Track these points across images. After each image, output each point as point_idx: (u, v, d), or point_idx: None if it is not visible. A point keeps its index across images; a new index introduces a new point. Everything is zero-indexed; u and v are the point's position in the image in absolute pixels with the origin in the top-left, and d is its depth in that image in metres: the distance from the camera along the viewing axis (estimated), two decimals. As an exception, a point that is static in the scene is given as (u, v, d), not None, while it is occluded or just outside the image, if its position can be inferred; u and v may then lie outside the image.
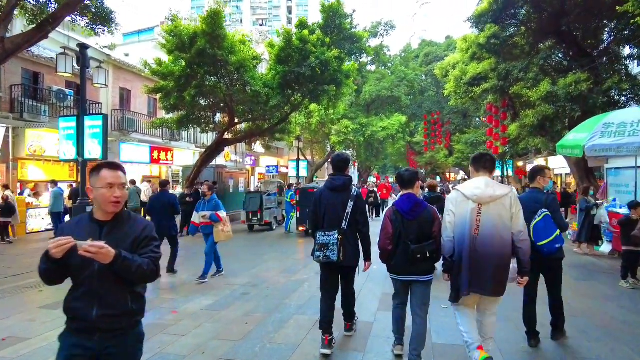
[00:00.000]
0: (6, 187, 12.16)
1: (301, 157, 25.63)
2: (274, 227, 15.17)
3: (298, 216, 13.10)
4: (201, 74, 13.62)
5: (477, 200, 3.37)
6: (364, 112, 28.28)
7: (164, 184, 8.46)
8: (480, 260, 3.33)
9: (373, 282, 6.92)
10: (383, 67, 29.80)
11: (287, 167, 32.53)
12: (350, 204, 4.02)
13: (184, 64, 13.62)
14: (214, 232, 7.14)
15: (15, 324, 5.06)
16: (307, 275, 7.64)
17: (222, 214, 7.15)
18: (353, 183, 4.27)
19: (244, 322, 5.04)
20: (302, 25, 14.49)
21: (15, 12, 9.77)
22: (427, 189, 8.23)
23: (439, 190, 9.67)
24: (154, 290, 6.58)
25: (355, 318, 4.65)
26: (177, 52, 13.52)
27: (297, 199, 13.17)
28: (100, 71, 11.16)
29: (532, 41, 14.15)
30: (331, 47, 14.63)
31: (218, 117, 17.59)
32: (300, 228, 13.09)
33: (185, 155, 21.98)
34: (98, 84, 11.20)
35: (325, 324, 4.10)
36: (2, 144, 12.89)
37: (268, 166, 30.54)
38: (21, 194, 13.74)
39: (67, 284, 2.14)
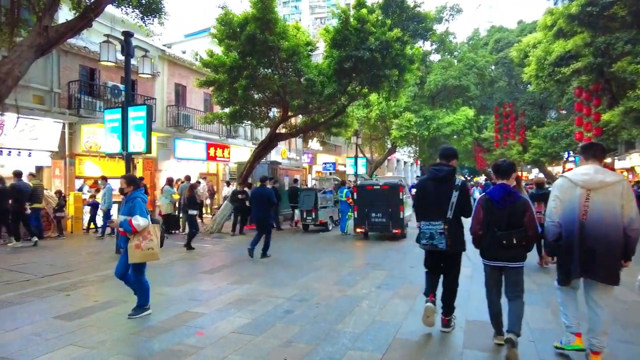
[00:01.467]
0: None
1: (359, 154, 24.18)
2: (330, 228, 13.97)
3: (355, 216, 11.74)
4: (253, 64, 12.75)
5: (585, 186, 3.42)
6: (429, 104, 26.09)
7: (263, 179, 9.57)
8: (590, 245, 3.38)
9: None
10: (449, 56, 27.41)
11: (344, 165, 31.23)
12: (455, 193, 4.12)
13: (235, 54, 12.85)
14: (128, 248, 4.89)
15: (15, 340, 4.25)
16: (366, 289, 6.27)
17: (140, 221, 4.78)
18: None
19: (282, 356, 3.82)
20: (360, 4, 13.11)
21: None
22: (534, 186, 8.20)
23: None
24: (188, 301, 5.61)
25: (454, 315, 4.46)
26: (227, 40, 12.77)
27: (354, 197, 11.84)
28: (145, 60, 10.60)
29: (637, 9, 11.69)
30: (392, 28, 13.12)
31: (273, 112, 16.75)
32: (358, 230, 11.71)
33: (241, 152, 21.45)
34: (143, 73, 10.66)
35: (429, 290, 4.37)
36: (60, 140, 12.86)
37: (325, 163, 29.46)
38: (80, 190, 13.73)
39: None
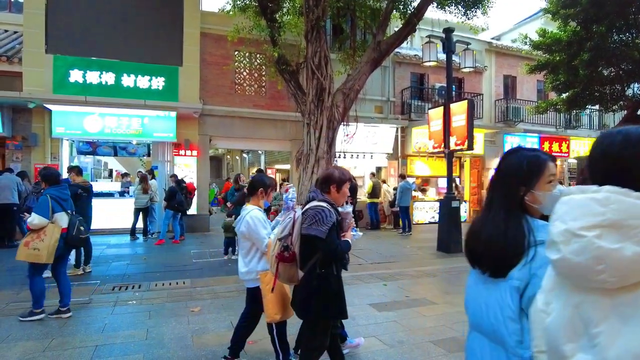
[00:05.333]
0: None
1: None
2: None
3: None
4: (601, 31, 10.12)
5: None
6: None
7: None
8: None
9: None
10: None
11: None
12: None
13: (573, 25, 10.59)
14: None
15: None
16: None
17: (36, 219, 4.46)
18: None
19: None
20: None
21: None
22: None
23: None
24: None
25: None
26: (563, 10, 10.67)
27: None
28: (467, 54, 10.21)
29: None
30: None
31: (634, 89, 12.86)
32: None
33: (583, 145, 17.77)
34: (465, 67, 10.29)
35: None
36: (394, 142, 14.39)
37: None
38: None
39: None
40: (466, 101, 9.44)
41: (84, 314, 4.87)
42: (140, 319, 4.69)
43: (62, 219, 4.73)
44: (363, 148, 13.62)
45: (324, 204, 2.70)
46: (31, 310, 4.61)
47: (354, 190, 3.40)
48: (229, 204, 8.94)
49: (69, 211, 4.85)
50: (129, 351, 3.84)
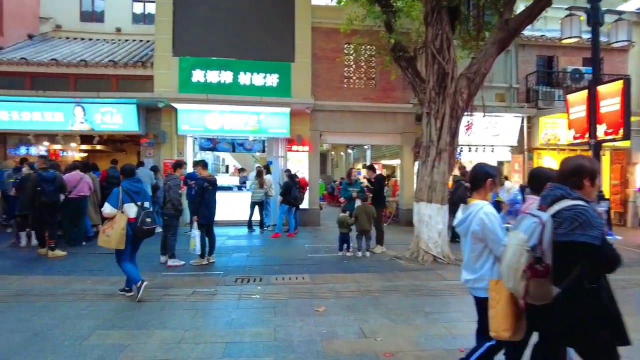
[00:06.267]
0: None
1: None
2: None
3: None
4: None
5: None
6: None
7: None
8: None
9: None
10: None
11: None
12: None
13: None
14: None
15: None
16: None
17: (107, 209, 4.97)
18: None
19: None
20: None
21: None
22: None
23: None
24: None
25: None
26: None
27: None
28: (619, 25, 8.56)
29: None
30: None
31: None
32: None
33: None
34: (617, 41, 8.65)
35: None
36: (518, 134, 12.89)
37: None
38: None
39: None
40: (621, 81, 7.94)
41: (212, 306, 4.91)
42: (265, 316, 4.55)
43: (130, 210, 5.01)
44: (483, 140, 12.42)
45: (582, 202, 2.16)
46: (136, 287, 5.04)
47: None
48: (342, 200, 8.66)
49: (138, 203, 5.07)
50: (259, 352, 3.66)
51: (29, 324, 4.23)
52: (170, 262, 6.84)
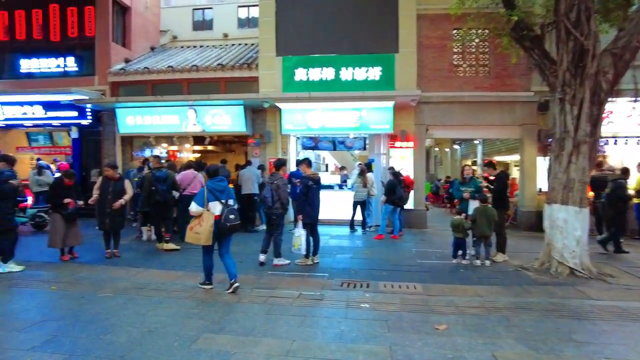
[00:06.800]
0: None
1: None
2: None
3: None
4: None
5: None
6: None
7: None
8: None
9: None
10: None
11: None
12: None
13: None
14: None
15: None
16: None
17: (194, 207, 5.21)
18: None
19: None
20: None
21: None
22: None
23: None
24: None
25: None
26: None
27: None
28: None
29: None
30: None
31: None
32: None
33: None
34: None
35: None
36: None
37: None
38: None
39: None
40: None
41: (319, 313, 4.58)
42: (378, 330, 4.08)
43: (215, 208, 5.19)
44: (626, 130, 10.45)
45: None
46: (203, 281, 5.44)
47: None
48: (456, 201, 7.81)
49: (222, 200, 5.22)
50: (376, 375, 3.21)
51: (144, 319, 4.32)
52: (276, 261, 6.75)
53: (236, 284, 5.23)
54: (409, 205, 10.39)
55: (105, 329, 4.04)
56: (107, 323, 4.19)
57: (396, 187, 8.95)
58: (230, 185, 10.80)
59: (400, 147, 10.87)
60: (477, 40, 10.97)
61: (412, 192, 10.36)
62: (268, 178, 7.21)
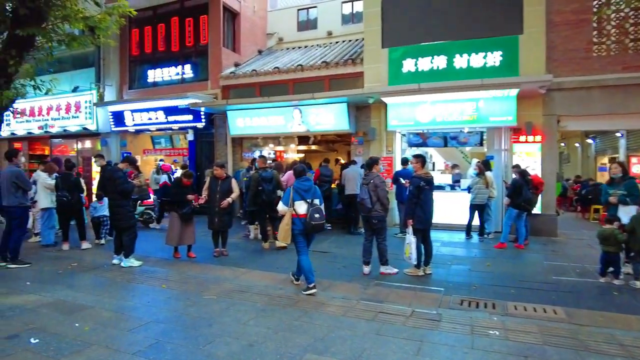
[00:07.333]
0: None
1: None
2: None
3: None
4: None
5: None
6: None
7: None
8: None
9: None
10: None
11: None
12: None
13: None
14: None
15: None
16: None
17: (280, 207, 5.42)
18: None
19: None
20: None
21: None
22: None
23: None
24: None
25: None
26: None
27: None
28: None
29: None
30: None
31: None
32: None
33: None
34: None
35: None
36: None
37: None
38: None
39: None
40: None
41: (438, 339, 3.88)
42: (516, 370, 3.27)
43: (301, 207, 5.26)
44: None
45: None
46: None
47: None
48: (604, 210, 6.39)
49: (307, 200, 5.26)
50: None
51: (245, 329, 4.08)
52: (383, 269, 6.17)
53: (314, 290, 5.20)
54: (536, 209, 8.98)
55: (206, 337, 3.87)
56: (209, 331, 4.03)
57: (523, 188, 7.70)
58: (333, 186, 10.69)
59: (526, 142, 9.45)
60: (626, 10, 9.05)
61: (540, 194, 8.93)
62: (363, 178, 6.60)
